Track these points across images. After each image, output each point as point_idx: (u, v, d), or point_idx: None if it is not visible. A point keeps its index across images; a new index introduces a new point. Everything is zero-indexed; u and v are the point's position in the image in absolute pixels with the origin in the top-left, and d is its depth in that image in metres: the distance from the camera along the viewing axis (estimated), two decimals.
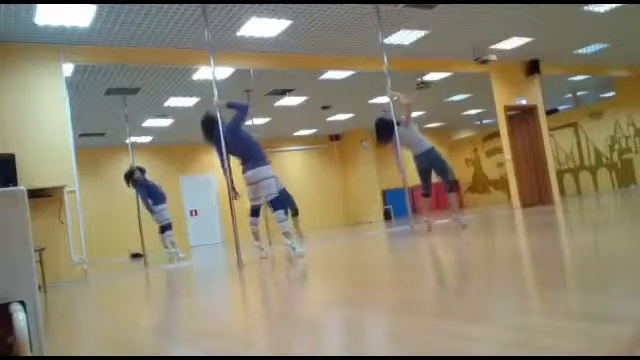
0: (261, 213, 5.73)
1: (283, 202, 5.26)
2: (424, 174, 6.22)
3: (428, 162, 6.10)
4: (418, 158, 6.13)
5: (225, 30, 6.81)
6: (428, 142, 6.16)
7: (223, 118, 5.43)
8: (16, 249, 1.52)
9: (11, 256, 1.51)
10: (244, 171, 5.23)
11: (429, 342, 1.38)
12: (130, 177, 8.01)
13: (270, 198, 5.15)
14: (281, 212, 5.12)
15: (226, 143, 5.22)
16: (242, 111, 5.14)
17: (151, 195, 8.08)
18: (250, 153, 5.16)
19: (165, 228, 8.14)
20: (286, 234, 5.14)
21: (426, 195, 6.34)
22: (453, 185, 6.12)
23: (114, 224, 12.09)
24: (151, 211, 8.03)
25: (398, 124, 6.23)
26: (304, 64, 8.39)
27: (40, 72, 6.16)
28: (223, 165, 5.28)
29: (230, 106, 5.16)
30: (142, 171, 8.18)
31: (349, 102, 11.87)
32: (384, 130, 6.23)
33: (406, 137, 6.16)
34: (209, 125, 5.36)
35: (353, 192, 15.82)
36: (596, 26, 8.89)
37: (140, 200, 8.09)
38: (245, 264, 5.04)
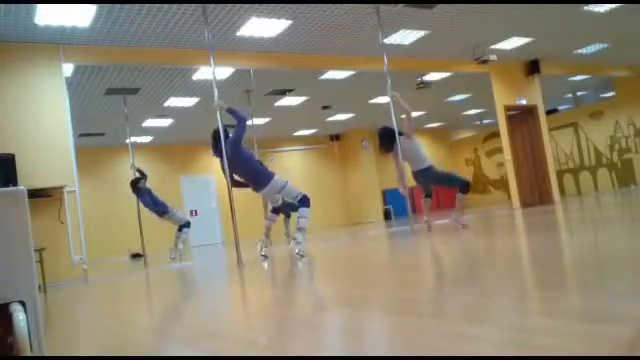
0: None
1: (309, 202, 5.29)
2: (423, 186, 6.25)
3: (426, 179, 6.11)
4: (416, 174, 6.13)
5: (225, 30, 6.81)
6: (428, 159, 6.12)
7: (224, 120, 5.43)
8: (16, 249, 1.52)
9: (11, 256, 1.51)
10: (255, 190, 5.30)
11: (429, 342, 1.38)
12: (135, 186, 8.04)
13: (299, 198, 5.20)
14: (307, 210, 5.18)
15: (227, 157, 5.23)
16: (242, 123, 5.11)
17: (155, 204, 8.10)
18: (254, 177, 5.20)
19: (183, 226, 8.17)
20: (302, 230, 5.16)
21: (427, 196, 6.35)
22: (466, 187, 6.05)
23: (114, 224, 12.08)
24: (162, 217, 8.06)
25: (400, 134, 6.22)
26: (304, 64, 8.39)
27: (40, 72, 6.16)
28: (227, 176, 5.31)
29: (230, 112, 5.14)
30: (144, 177, 8.20)
31: (349, 102, 11.87)
32: (387, 139, 6.24)
33: (407, 150, 6.12)
34: (217, 139, 5.37)
35: (353, 192, 15.82)
36: (596, 26, 8.88)
37: (147, 207, 8.09)
38: (245, 264, 5.04)
